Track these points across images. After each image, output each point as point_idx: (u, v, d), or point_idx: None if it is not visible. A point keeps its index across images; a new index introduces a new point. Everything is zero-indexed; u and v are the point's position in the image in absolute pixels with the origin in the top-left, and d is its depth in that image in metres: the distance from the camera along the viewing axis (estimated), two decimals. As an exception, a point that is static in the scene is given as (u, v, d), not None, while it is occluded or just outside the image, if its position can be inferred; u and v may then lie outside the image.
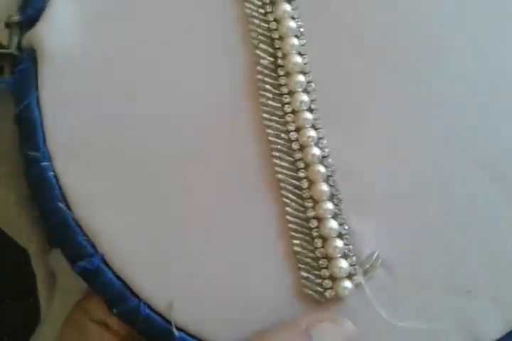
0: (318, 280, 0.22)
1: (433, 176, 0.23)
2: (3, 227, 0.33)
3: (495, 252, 0.23)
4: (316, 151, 0.23)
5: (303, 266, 0.23)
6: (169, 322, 0.22)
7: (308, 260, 0.23)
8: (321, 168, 0.23)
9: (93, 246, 0.22)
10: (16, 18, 0.23)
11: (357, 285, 0.22)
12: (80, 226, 0.22)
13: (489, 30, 0.24)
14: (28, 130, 0.23)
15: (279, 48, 0.23)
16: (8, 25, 0.23)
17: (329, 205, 0.23)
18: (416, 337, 0.22)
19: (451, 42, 0.24)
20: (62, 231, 0.22)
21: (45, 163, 0.23)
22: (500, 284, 0.23)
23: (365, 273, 0.22)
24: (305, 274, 0.22)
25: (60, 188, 0.23)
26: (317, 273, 0.23)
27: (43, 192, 0.22)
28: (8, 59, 0.23)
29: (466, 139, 0.23)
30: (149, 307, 0.22)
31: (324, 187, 0.23)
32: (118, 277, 0.22)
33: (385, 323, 0.22)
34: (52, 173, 0.23)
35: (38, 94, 0.23)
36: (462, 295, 0.22)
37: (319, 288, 0.22)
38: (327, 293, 0.22)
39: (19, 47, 0.24)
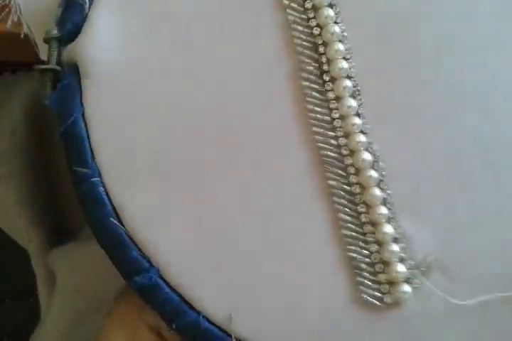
0: (376, 286, 0.22)
1: (483, 174, 0.23)
2: (3, 227, 0.32)
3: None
4: (367, 156, 0.23)
5: (359, 272, 0.22)
6: (229, 335, 0.22)
7: (364, 265, 0.22)
8: (373, 173, 0.23)
9: (148, 260, 0.22)
10: (55, 32, 0.23)
11: (414, 289, 0.22)
12: (133, 241, 0.22)
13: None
14: (76, 146, 0.22)
15: (323, 54, 0.23)
16: (47, 40, 0.23)
17: (383, 210, 0.23)
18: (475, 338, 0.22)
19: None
20: (117, 246, 0.22)
21: (95, 179, 0.22)
22: None
23: (422, 275, 0.22)
24: (361, 280, 0.22)
25: (112, 203, 0.22)
26: (374, 278, 0.22)
27: (94, 208, 0.22)
28: (49, 74, 0.23)
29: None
30: (208, 320, 0.22)
31: (377, 191, 0.23)
32: (175, 291, 0.22)
33: (444, 323, 0.22)
34: (102, 189, 0.22)
35: (83, 110, 0.23)
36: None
37: (378, 294, 0.22)
38: (386, 298, 0.22)
39: (59, 62, 0.23)
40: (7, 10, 0.23)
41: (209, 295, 0.22)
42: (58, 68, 0.23)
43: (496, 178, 0.23)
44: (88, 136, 0.22)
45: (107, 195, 0.22)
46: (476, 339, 0.22)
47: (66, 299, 0.29)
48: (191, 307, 0.22)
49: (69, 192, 0.31)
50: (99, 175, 0.22)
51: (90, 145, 0.22)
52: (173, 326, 0.22)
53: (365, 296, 0.22)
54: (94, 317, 0.28)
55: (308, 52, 0.23)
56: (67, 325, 0.29)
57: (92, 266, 0.28)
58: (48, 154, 0.31)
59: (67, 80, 0.23)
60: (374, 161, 0.23)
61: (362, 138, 0.23)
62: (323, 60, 0.23)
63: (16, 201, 0.29)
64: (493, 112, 0.24)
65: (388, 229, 0.22)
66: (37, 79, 0.23)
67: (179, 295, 0.22)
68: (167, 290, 0.22)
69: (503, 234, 0.23)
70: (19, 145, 0.30)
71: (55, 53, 0.23)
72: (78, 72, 0.23)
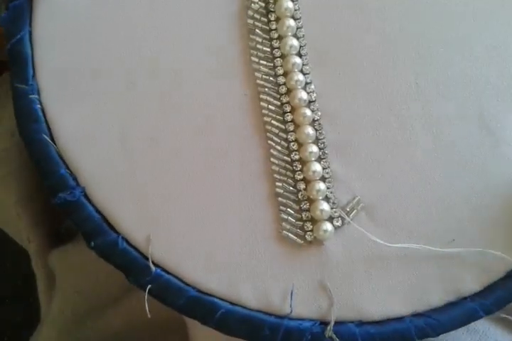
0: (299, 223, 0.22)
1: (421, 122, 0.23)
2: (3, 227, 0.33)
3: (478, 203, 0.22)
4: (303, 95, 0.23)
5: (284, 209, 0.22)
6: (147, 258, 0.22)
7: (290, 203, 0.22)
8: (307, 112, 0.23)
9: (75, 179, 0.23)
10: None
11: (337, 229, 0.22)
12: (63, 159, 0.23)
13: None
14: (19, 64, 0.23)
15: (271, -6, 0.24)
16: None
17: (314, 148, 0.23)
18: (399, 286, 0.22)
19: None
20: (45, 162, 0.22)
21: (33, 96, 0.23)
22: (484, 235, 0.22)
23: (347, 215, 0.22)
24: (286, 216, 0.22)
25: (46, 121, 0.23)
26: (298, 215, 0.22)
27: (29, 123, 0.23)
28: (5, -3, 0.24)
29: (458, 89, 0.23)
30: (127, 242, 0.22)
31: (309, 130, 0.23)
32: (98, 211, 0.22)
33: (364, 266, 0.22)
34: (39, 106, 0.23)
35: (31, 30, 0.23)
36: (445, 243, 0.22)
37: (299, 231, 0.22)
38: (307, 236, 0.22)
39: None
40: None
41: (130, 217, 0.22)
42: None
43: (432, 129, 0.23)
44: (32, 55, 0.23)
45: (43, 112, 0.23)
46: (397, 282, 0.22)
47: (66, 299, 0.29)
48: (112, 228, 0.22)
49: None
50: (38, 93, 0.23)
51: (33, 64, 0.23)
52: (92, 244, 0.22)
53: (286, 233, 0.22)
54: (94, 317, 0.29)
55: (256, -9, 0.24)
56: (67, 326, 0.29)
57: (92, 266, 0.28)
58: None
59: (19, 1, 0.23)
60: (310, 101, 0.23)
61: (300, 77, 0.23)
62: (271, -1, 0.24)
63: (16, 201, 0.29)
64: (433, 58, 0.23)
65: (317, 167, 0.22)
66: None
67: (102, 215, 0.22)
68: (90, 209, 0.22)
69: (434, 181, 0.23)
70: (19, 146, 0.30)
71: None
72: (31, -4, 0.24)
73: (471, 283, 0.22)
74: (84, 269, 0.28)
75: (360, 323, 0.22)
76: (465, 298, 0.22)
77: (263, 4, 0.24)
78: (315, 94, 0.23)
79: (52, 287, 0.30)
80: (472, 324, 0.23)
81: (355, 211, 0.22)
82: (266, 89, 0.23)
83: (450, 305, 0.22)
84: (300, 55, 0.23)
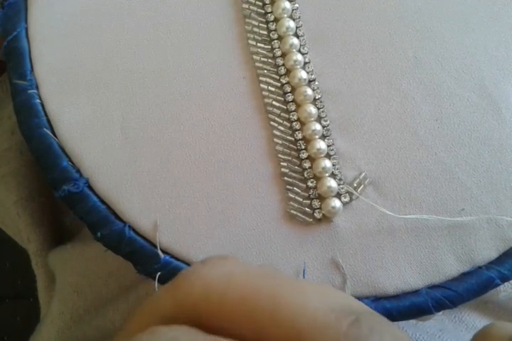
0: (307, 201, 0.22)
1: (423, 94, 0.23)
2: (4, 227, 0.33)
3: (486, 170, 0.22)
4: (303, 74, 0.23)
5: (291, 188, 0.22)
6: (154, 245, 0.22)
7: (296, 181, 0.22)
8: (308, 91, 0.23)
9: (78, 171, 0.22)
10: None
11: (345, 205, 0.22)
12: (65, 152, 0.23)
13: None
14: (16, 60, 0.23)
15: (264, -21, 0.24)
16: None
17: (317, 126, 0.22)
18: (412, 258, 0.22)
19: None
20: (48, 156, 0.22)
21: (31, 91, 0.23)
22: (495, 202, 0.22)
23: (355, 190, 0.22)
24: (293, 195, 0.22)
25: (46, 115, 0.23)
26: (305, 194, 0.22)
27: (29, 118, 0.23)
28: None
29: (457, 60, 0.23)
30: (134, 230, 0.22)
31: (311, 108, 0.23)
32: (102, 201, 0.22)
33: (374, 241, 0.22)
34: (38, 101, 0.23)
35: (27, 26, 0.24)
36: (454, 213, 0.22)
37: (308, 209, 0.22)
38: (316, 214, 0.22)
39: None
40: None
41: (135, 205, 0.22)
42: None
43: (434, 101, 0.23)
44: (29, 50, 0.23)
45: (43, 106, 0.23)
46: (409, 255, 0.22)
47: (65, 299, 0.29)
48: (117, 218, 0.22)
49: None
50: (37, 88, 0.23)
51: (30, 59, 0.23)
52: (99, 235, 0.22)
53: (294, 212, 0.22)
54: (93, 317, 0.29)
55: (250, -24, 0.24)
56: (66, 326, 0.29)
57: (91, 266, 0.28)
58: None
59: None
60: (310, 80, 0.23)
61: (298, 57, 0.23)
62: (265, -16, 0.24)
63: (16, 201, 0.30)
64: (430, 32, 0.23)
65: (321, 145, 0.22)
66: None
67: (106, 205, 0.22)
68: (94, 199, 0.22)
69: (438, 153, 0.22)
70: (19, 145, 0.30)
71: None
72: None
73: (486, 251, 0.22)
74: (84, 269, 0.28)
75: (376, 298, 0.21)
76: (480, 267, 0.21)
77: (257, -12, 0.24)
78: (315, 73, 0.23)
79: (52, 287, 0.30)
80: (471, 321, 0.23)
81: (362, 186, 0.22)
82: (265, 71, 0.23)
83: (466, 275, 0.21)
84: (297, 36, 0.23)
